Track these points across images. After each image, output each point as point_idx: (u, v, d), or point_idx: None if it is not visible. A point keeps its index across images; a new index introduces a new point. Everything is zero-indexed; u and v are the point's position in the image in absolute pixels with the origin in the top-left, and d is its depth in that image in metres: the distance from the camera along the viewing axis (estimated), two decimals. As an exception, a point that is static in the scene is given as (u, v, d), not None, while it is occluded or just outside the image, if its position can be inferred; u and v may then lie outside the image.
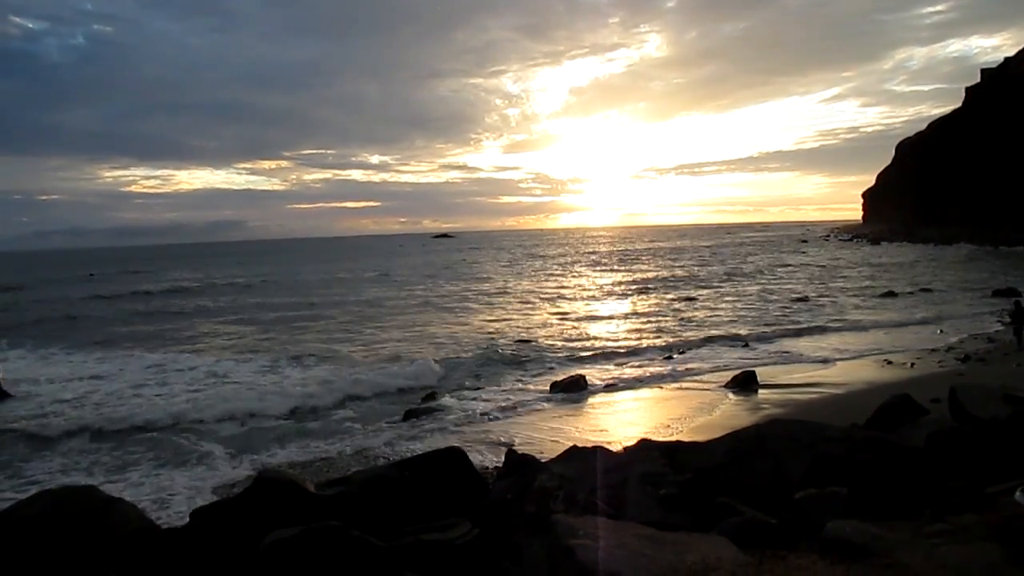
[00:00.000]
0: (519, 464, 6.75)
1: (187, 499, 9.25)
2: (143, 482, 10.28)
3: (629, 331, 23.52)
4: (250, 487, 6.41)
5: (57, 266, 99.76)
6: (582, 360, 18.64)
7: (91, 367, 19.83)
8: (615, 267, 59.85)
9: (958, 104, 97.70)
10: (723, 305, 29.48)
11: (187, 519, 6.34)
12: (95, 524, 5.65)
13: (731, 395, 13.84)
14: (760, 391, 14.00)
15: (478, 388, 15.75)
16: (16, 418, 14.01)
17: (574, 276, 51.68)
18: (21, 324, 31.14)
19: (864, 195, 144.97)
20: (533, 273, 56.39)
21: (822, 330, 21.59)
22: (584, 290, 40.18)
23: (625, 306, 31.31)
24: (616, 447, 7.80)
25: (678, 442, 7.58)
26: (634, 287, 40.39)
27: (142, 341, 24.72)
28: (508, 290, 41.23)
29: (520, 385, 15.97)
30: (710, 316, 26.25)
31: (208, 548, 5.18)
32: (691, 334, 22.02)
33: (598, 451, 7.01)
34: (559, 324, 26.15)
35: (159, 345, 23.66)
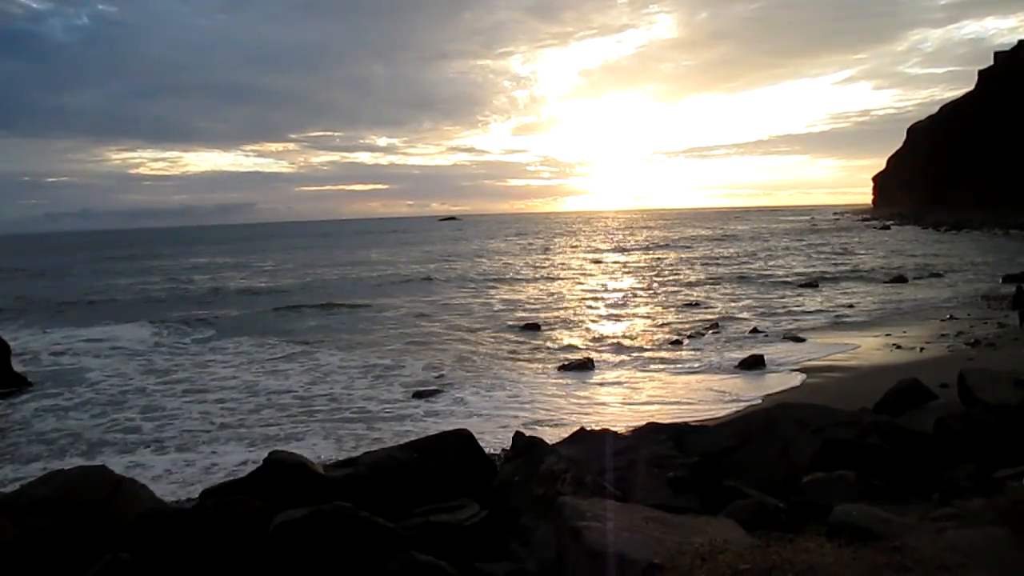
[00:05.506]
0: (527, 446, 6.76)
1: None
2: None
3: (638, 315, 23.52)
4: (259, 468, 6.45)
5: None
6: (590, 343, 18.65)
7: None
8: (624, 250, 59.72)
9: (972, 87, 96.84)
10: (731, 290, 29.42)
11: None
12: (106, 504, 5.70)
13: (739, 378, 13.84)
14: (768, 374, 14.00)
15: (486, 370, 15.78)
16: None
17: (583, 260, 51.58)
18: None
19: (874, 179, 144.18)
20: (543, 257, 56.32)
21: (831, 315, 21.53)
22: (593, 274, 40.16)
23: (634, 291, 31.26)
24: (624, 429, 7.82)
25: (686, 425, 7.58)
26: (643, 271, 40.34)
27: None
28: (516, 274, 41.21)
29: (528, 367, 15.99)
30: (718, 301, 26.20)
31: (217, 528, 5.22)
32: (700, 319, 21.99)
33: (606, 434, 7.02)
34: (568, 308, 26.15)
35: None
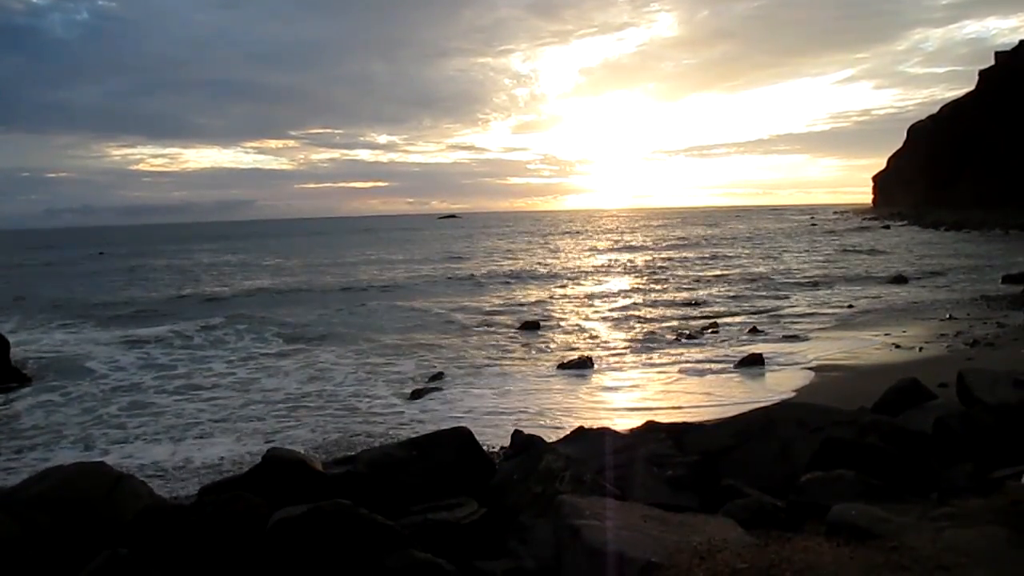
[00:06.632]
0: (525, 444, 6.77)
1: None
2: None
3: (637, 314, 23.49)
4: (258, 465, 6.46)
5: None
6: (590, 342, 18.66)
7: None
8: (624, 249, 59.68)
9: (972, 87, 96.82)
10: (731, 290, 29.41)
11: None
12: (105, 500, 5.70)
13: (738, 377, 13.84)
14: (768, 374, 14.01)
15: (485, 368, 15.79)
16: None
17: (585, 259, 51.58)
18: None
19: (875, 178, 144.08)
20: (542, 256, 56.29)
21: (830, 314, 21.51)
22: (593, 272, 40.14)
23: (634, 289, 31.26)
24: (622, 428, 7.82)
25: (685, 424, 7.58)
26: (643, 270, 40.34)
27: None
28: (515, 273, 41.17)
29: (527, 365, 15.99)
30: (718, 300, 26.20)
31: (216, 525, 5.22)
32: (699, 318, 22.00)
33: (605, 432, 7.03)
34: (567, 307, 26.17)
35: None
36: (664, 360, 15.94)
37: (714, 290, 29.33)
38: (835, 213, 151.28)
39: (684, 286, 31.30)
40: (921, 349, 15.13)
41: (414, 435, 8.28)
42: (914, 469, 5.37)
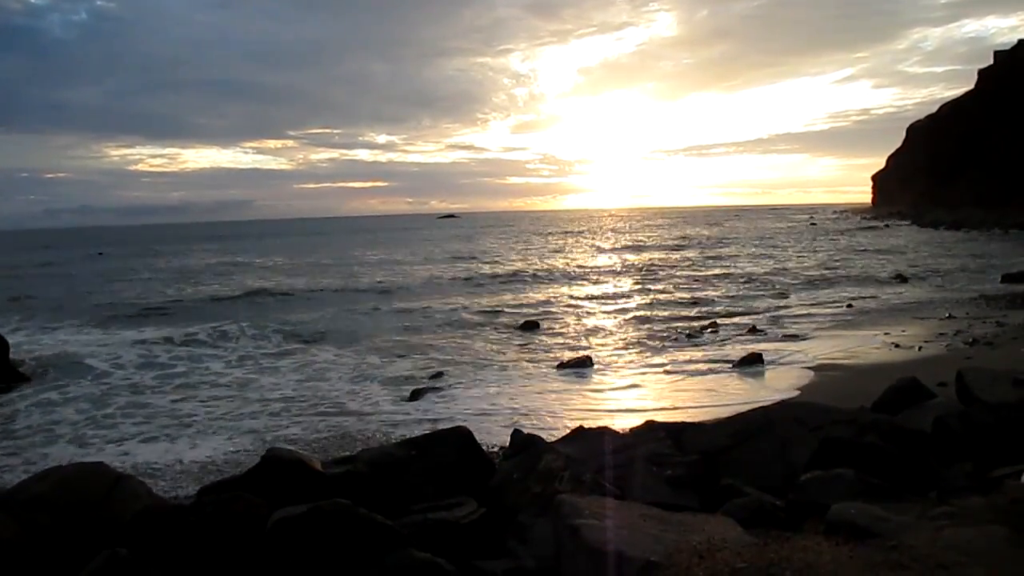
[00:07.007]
0: (525, 444, 6.77)
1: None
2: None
3: (637, 313, 23.49)
4: (257, 465, 6.46)
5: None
6: (589, 341, 18.65)
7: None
8: (623, 249, 59.68)
9: (971, 86, 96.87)
10: (730, 289, 29.41)
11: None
12: (104, 500, 5.70)
13: (737, 377, 13.83)
14: (767, 373, 14.00)
15: (484, 368, 15.79)
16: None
17: (584, 259, 51.57)
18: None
19: (874, 178, 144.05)
20: (542, 256, 56.28)
21: (829, 313, 21.52)
22: (592, 272, 40.13)
23: (633, 289, 31.26)
24: (622, 428, 7.82)
25: (684, 423, 7.59)
26: (642, 270, 40.33)
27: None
28: (514, 273, 41.16)
29: (527, 365, 15.99)
30: (717, 300, 26.20)
31: (215, 525, 5.22)
32: (698, 317, 21.99)
33: (604, 432, 7.03)
34: (567, 306, 26.17)
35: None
36: (664, 360, 15.93)
37: (714, 290, 29.31)
38: (834, 212, 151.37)
39: (684, 286, 31.27)
40: (920, 348, 15.13)
41: (413, 435, 8.28)
42: (913, 468, 5.37)
